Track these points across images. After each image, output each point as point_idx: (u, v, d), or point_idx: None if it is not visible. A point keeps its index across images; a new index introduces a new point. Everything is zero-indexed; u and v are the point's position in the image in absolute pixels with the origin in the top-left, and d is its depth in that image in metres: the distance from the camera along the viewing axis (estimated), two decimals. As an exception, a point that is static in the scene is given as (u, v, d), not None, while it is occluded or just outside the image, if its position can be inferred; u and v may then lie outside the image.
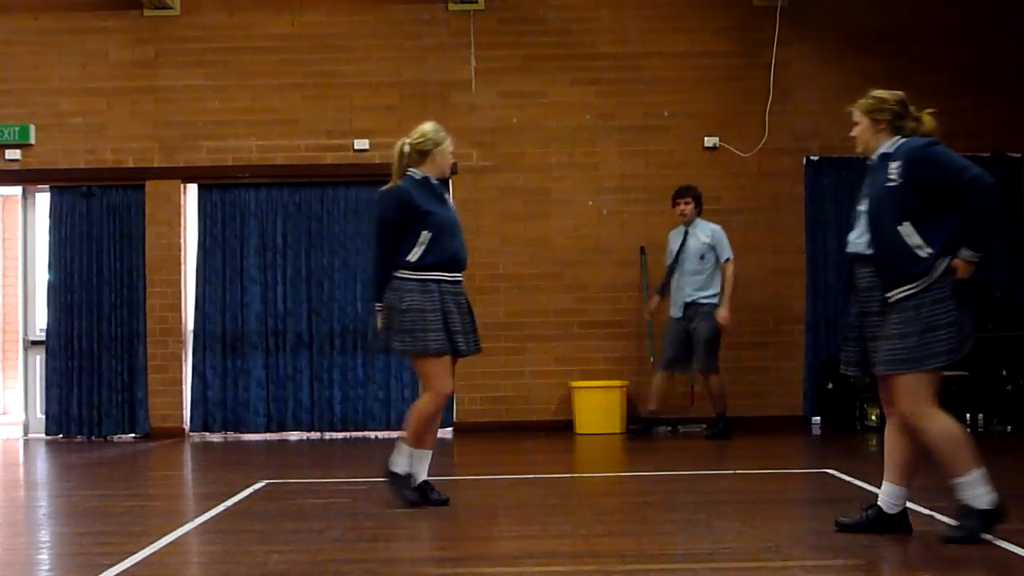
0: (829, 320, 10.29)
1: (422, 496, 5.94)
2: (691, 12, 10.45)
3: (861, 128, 5.12)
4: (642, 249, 10.25)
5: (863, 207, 5.01)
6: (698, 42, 10.42)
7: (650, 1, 10.45)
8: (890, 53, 10.36)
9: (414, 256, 5.79)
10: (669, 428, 9.92)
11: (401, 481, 5.93)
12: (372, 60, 10.42)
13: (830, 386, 9.95)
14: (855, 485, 6.53)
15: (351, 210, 10.33)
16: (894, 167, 4.86)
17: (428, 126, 6.03)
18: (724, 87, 10.40)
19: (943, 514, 5.46)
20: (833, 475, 6.95)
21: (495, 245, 10.32)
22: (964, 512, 4.85)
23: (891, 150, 4.96)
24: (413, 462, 5.93)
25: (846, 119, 11.20)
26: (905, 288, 4.76)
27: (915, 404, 4.77)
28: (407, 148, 5.96)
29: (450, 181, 10.33)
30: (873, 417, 9.79)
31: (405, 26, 10.42)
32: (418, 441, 5.91)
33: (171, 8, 10.34)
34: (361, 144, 10.27)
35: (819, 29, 10.44)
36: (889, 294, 4.81)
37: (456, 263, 5.92)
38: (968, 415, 9.70)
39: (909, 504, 5.83)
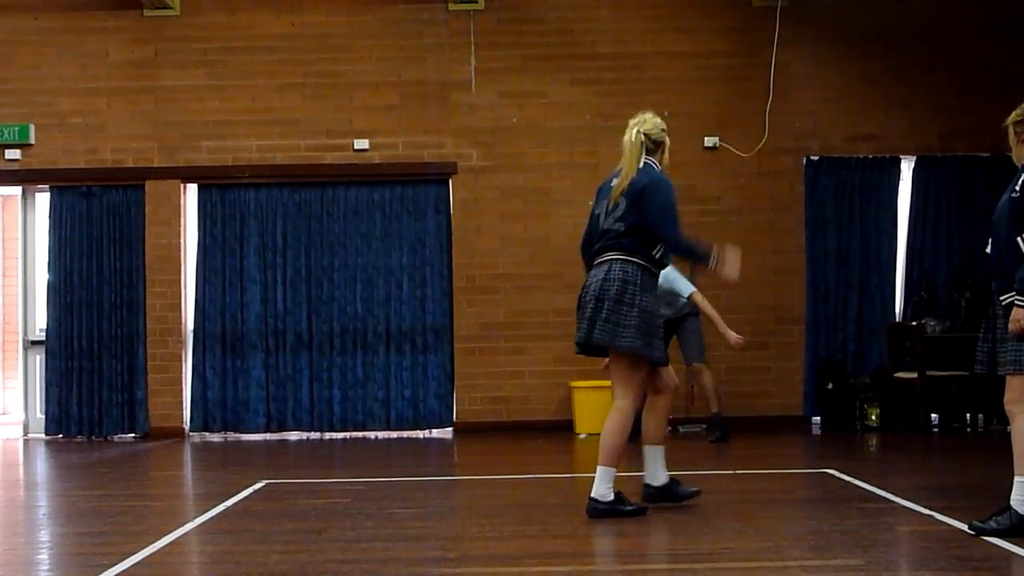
0: (829, 320, 10.28)
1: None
2: (691, 12, 10.44)
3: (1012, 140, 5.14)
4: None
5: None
6: (698, 42, 10.42)
7: (650, 1, 10.45)
8: (890, 53, 10.37)
9: (658, 253, 5.58)
10: (669, 428, 9.89)
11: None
12: (372, 60, 10.41)
13: (830, 386, 9.93)
14: (855, 485, 6.53)
15: (351, 210, 10.31)
16: (1022, 180, 4.93)
17: (653, 115, 5.69)
18: (724, 87, 10.40)
19: (943, 514, 5.46)
20: (833, 475, 6.95)
21: (495, 245, 10.31)
22: (1003, 510, 4.92)
23: None
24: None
25: (846, 119, 11.22)
26: (1012, 294, 4.87)
27: (1016, 401, 5.09)
28: (643, 137, 5.59)
29: (450, 181, 10.36)
30: (873, 417, 9.79)
31: (405, 26, 10.42)
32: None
33: (171, 8, 10.34)
34: (361, 144, 10.26)
35: (819, 29, 10.44)
36: (1001, 297, 4.96)
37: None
38: (968, 415, 9.70)
39: (908, 504, 5.84)
